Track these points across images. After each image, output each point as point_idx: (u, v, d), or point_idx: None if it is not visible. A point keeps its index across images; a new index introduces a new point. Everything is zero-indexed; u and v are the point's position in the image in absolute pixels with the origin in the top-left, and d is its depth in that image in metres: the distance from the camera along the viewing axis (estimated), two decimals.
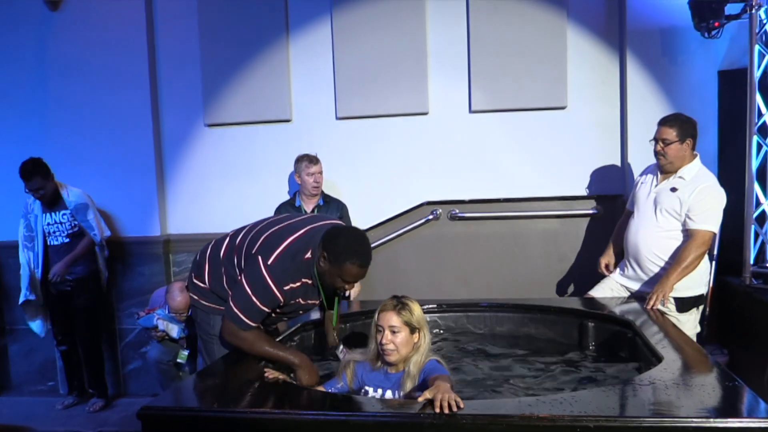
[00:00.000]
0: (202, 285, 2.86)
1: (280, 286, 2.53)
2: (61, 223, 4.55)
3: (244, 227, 2.87)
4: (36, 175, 4.36)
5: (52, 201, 4.51)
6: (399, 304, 2.39)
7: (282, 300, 2.57)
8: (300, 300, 2.67)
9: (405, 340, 2.34)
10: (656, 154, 3.46)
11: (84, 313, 4.64)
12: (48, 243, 4.58)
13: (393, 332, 2.34)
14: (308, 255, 2.56)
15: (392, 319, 2.35)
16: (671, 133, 3.38)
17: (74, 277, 4.56)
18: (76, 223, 4.55)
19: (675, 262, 3.31)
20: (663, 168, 3.47)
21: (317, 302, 2.77)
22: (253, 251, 2.61)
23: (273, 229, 2.70)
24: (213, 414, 2.06)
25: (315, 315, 3.31)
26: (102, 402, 4.73)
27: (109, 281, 4.80)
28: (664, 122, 3.45)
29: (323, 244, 2.50)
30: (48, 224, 4.56)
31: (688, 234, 3.33)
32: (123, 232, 4.91)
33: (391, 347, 2.34)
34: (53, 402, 4.79)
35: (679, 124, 3.39)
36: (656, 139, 3.45)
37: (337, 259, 2.45)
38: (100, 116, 4.86)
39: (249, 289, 2.53)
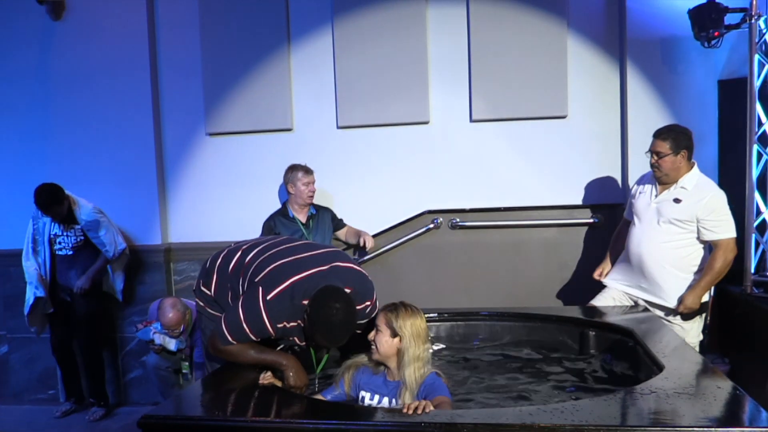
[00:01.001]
0: (208, 293, 2.86)
1: (274, 322, 2.52)
2: (66, 236, 4.56)
3: (258, 243, 2.85)
4: (53, 206, 4.39)
5: (66, 220, 4.53)
6: (391, 306, 2.44)
7: (273, 334, 2.57)
8: (295, 339, 2.66)
9: (385, 341, 2.39)
10: (651, 166, 3.48)
11: (85, 321, 4.63)
12: (54, 251, 4.59)
13: (377, 331, 2.40)
14: (306, 301, 2.52)
15: (379, 317, 2.43)
16: (665, 146, 3.39)
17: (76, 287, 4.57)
18: (81, 237, 4.56)
19: (705, 273, 3.38)
20: (659, 180, 3.48)
21: (305, 345, 2.74)
22: (257, 279, 2.60)
23: (282, 261, 2.65)
24: (214, 423, 2.07)
25: None
26: (102, 411, 4.72)
27: (125, 293, 4.80)
28: (657, 135, 3.46)
29: (310, 303, 2.47)
30: (54, 234, 4.57)
31: (710, 245, 3.42)
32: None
33: (372, 345, 2.42)
34: (53, 410, 4.79)
35: (673, 137, 3.40)
36: (651, 152, 3.46)
37: (312, 324, 2.45)
38: (102, 124, 4.88)
39: (242, 315, 2.52)
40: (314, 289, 2.50)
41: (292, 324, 2.57)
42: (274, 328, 2.53)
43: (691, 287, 3.42)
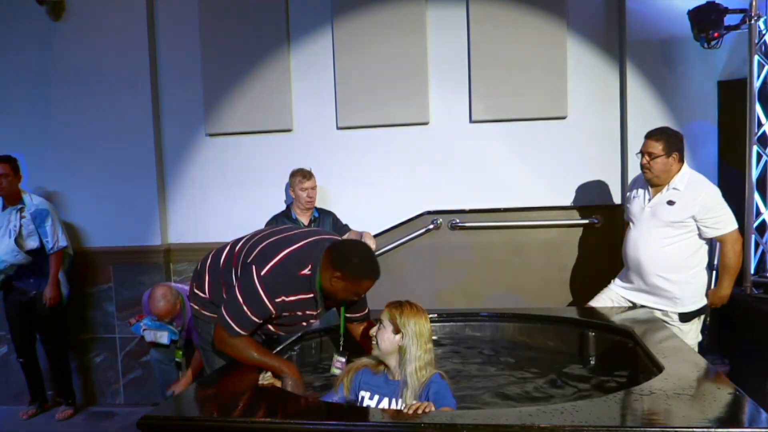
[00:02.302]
0: (202, 295, 2.86)
1: (272, 297, 2.52)
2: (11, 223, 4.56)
3: (244, 236, 2.87)
4: (6, 162, 4.47)
5: (10, 198, 4.55)
6: (396, 303, 2.44)
7: (273, 311, 2.56)
8: (297, 312, 2.66)
9: (387, 336, 2.37)
10: (642, 167, 3.47)
11: (48, 322, 4.67)
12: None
13: (380, 326, 2.40)
14: (306, 270, 2.55)
15: (383, 313, 2.42)
16: (657, 147, 3.38)
17: (35, 288, 4.60)
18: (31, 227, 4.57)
19: (723, 271, 3.46)
20: (650, 182, 3.47)
21: (314, 315, 2.73)
22: (249, 260, 2.61)
23: (271, 239, 2.69)
24: (213, 423, 2.06)
25: (316, 325, 3.29)
26: (70, 410, 4.78)
27: (71, 295, 4.79)
28: (650, 136, 3.45)
29: (336, 263, 2.50)
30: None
31: (707, 244, 3.45)
32: (124, 242, 4.91)
33: (373, 339, 2.41)
34: (53, 413, 4.80)
35: (666, 138, 3.39)
36: (642, 152, 3.46)
37: (355, 277, 2.48)
38: (102, 125, 4.88)
39: (240, 298, 2.53)
40: (311, 257, 2.54)
41: (291, 298, 2.57)
42: (273, 303, 2.53)
43: (715, 286, 3.52)
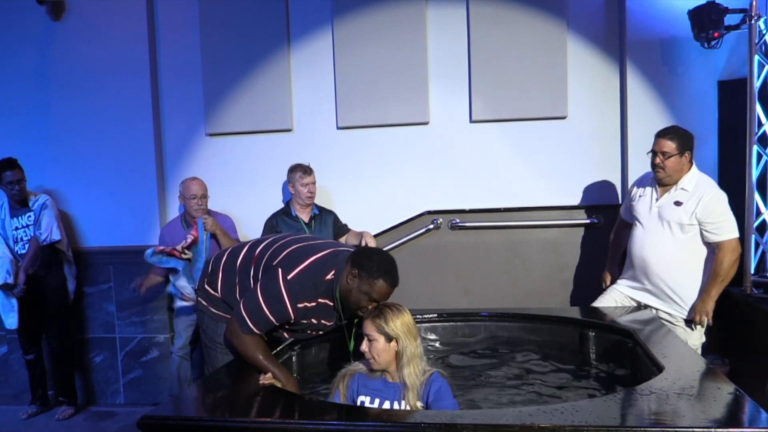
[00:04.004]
0: (213, 293, 2.86)
1: (295, 302, 2.54)
2: (27, 226, 4.59)
3: (264, 239, 2.89)
4: (16, 167, 4.50)
5: (22, 202, 4.57)
6: (376, 311, 2.41)
7: (293, 317, 2.57)
8: (313, 320, 2.66)
9: (381, 348, 2.35)
10: (654, 166, 3.46)
11: (55, 320, 4.69)
12: (15, 250, 4.60)
13: (369, 340, 2.37)
14: (330, 276, 2.57)
15: (367, 327, 2.39)
16: (671, 146, 3.37)
17: (44, 286, 4.61)
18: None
19: (712, 277, 3.37)
20: (661, 181, 3.46)
21: (328, 326, 2.74)
22: (274, 263, 2.62)
23: (297, 245, 2.71)
24: (214, 423, 2.06)
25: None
26: (72, 410, 4.78)
27: (77, 291, 4.84)
28: (663, 135, 3.43)
29: (354, 262, 2.52)
30: (15, 228, 4.60)
31: (712, 246, 3.39)
32: (123, 242, 4.91)
33: (368, 355, 2.38)
34: (53, 413, 4.80)
35: (679, 137, 3.38)
36: (654, 152, 3.44)
37: (369, 276, 2.47)
38: (102, 125, 4.88)
39: (262, 298, 2.53)
40: (335, 263, 2.57)
41: (312, 304, 2.59)
42: (295, 308, 2.54)
43: (700, 294, 3.41)
